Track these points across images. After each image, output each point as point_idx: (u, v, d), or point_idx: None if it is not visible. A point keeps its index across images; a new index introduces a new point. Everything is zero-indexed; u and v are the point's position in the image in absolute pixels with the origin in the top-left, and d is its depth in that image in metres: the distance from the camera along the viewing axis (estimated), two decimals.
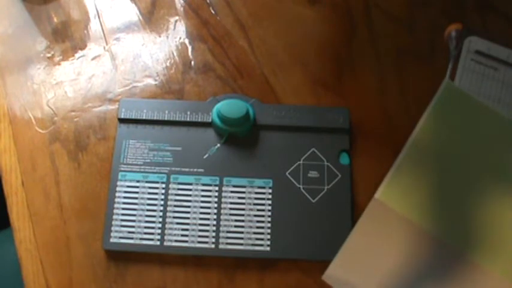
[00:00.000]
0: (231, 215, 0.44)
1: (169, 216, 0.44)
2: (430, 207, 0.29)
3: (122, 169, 0.45)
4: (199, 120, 0.47)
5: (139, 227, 0.44)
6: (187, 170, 0.45)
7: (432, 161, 0.30)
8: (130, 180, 0.45)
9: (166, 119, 0.47)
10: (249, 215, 0.44)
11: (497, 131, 0.31)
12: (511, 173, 0.28)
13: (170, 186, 0.45)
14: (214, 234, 0.44)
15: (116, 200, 0.44)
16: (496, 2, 0.55)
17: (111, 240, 0.43)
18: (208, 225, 0.44)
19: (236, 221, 0.44)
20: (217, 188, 0.45)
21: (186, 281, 0.43)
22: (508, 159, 0.29)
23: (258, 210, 0.45)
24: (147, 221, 0.44)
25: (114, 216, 0.44)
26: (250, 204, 0.45)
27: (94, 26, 0.53)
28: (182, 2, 0.54)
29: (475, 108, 0.31)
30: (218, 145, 0.46)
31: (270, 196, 0.45)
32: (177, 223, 0.44)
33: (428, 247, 0.29)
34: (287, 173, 0.46)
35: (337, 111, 0.48)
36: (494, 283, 0.27)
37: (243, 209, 0.45)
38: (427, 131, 0.31)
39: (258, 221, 0.44)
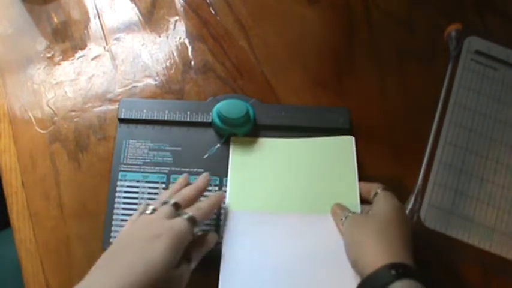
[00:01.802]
0: None
1: None
2: (266, 198, 0.44)
3: (122, 169, 0.45)
4: (199, 120, 0.47)
5: None
6: (187, 170, 0.45)
7: (251, 177, 0.45)
8: (131, 180, 0.45)
9: (166, 119, 0.47)
10: None
11: (282, 150, 0.46)
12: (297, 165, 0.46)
13: (170, 186, 0.45)
14: None
15: (116, 200, 0.44)
16: (496, 1, 0.55)
17: (111, 240, 0.43)
18: (208, 225, 0.44)
19: None
20: (217, 188, 0.45)
21: None
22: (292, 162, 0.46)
23: None
24: None
25: (114, 216, 0.44)
26: None
27: (94, 26, 0.53)
28: (182, 2, 0.54)
29: (262, 144, 0.46)
30: (218, 145, 0.46)
31: None
32: None
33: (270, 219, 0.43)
34: None
35: (337, 111, 0.48)
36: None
37: None
38: (238, 171, 0.45)
39: None
